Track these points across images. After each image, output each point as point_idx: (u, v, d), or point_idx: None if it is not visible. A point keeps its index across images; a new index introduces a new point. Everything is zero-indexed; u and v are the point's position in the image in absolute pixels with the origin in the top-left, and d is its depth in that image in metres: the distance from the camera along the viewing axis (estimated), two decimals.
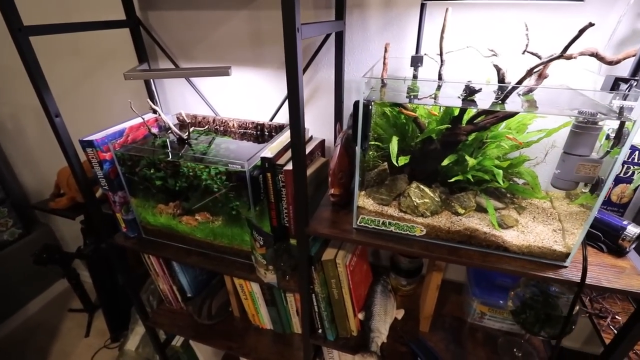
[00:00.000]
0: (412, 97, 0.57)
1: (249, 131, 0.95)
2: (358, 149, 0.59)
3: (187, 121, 0.82)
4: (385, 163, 0.65)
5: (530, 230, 0.60)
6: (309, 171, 0.79)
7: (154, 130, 0.89)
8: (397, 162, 0.59)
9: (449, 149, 0.59)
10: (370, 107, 0.56)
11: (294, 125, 0.57)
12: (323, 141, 0.90)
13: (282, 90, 0.95)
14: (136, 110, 0.84)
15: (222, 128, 0.97)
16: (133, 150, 0.82)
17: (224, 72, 0.80)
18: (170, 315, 1.16)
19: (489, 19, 0.71)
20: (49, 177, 1.59)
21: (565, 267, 0.58)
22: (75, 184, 1.19)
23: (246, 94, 1.01)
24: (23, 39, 0.67)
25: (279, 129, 0.91)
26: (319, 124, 0.97)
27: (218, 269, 0.85)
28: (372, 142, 0.66)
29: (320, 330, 0.86)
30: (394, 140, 0.59)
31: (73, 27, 0.77)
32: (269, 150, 0.76)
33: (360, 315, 0.86)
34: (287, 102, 0.91)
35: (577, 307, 0.69)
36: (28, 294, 1.74)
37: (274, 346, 1.05)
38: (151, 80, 1.00)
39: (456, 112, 0.58)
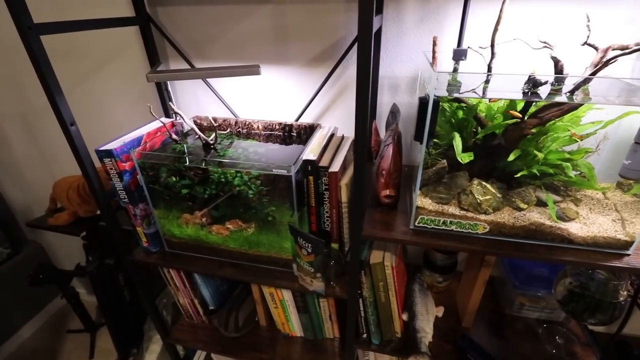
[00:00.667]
0: (479, 91, 0.55)
1: (276, 133, 0.90)
2: (423, 147, 0.56)
3: (214, 124, 0.77)
4: (444, 160, 0.63)
5: (592, 222, 0.60)
6: (349, 172, 0.75)
7: (175, 136, 0.83)
8: (461, 159, 0.57)
9: (513, 143, 0.58)
10: (439, 103, 0.54)
11: (359, 127, 0.54)
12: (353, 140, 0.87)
13: (308, 88, 0.91)
14: (144, 115, 0.78)
15: (245, 130, 0.92)
16: (160, 159, 0.76)
17: (253, 71, 0.75)
18: (192, 330, 1.10)
19: (534, 10, 0.70)
20: (38, 190, 1.47)
21: (629, 255, 0.58)
22: (77, 198, 1.10)
23: (266, 93, 0.96)
24: (33, 38, 0.60)
25: (309, 129, 0.87)
26: (348, 122, 0.94)
27: (255, 280, 0.80)
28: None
29: (365, 335, 0.84)
30: (457, 137, 0.57)
31: (86, 25, 0.70)
32: (311, 151, 0.72)
33: (404, 316, 0.84)
34: (314, 100, 0.88)
35: (626, 293, 0.70)
36: (20, 317, 1.61)
37: (308, 353, 1.01)
38: (163, 82, 0.93)
39: (520, 106, 0.57)
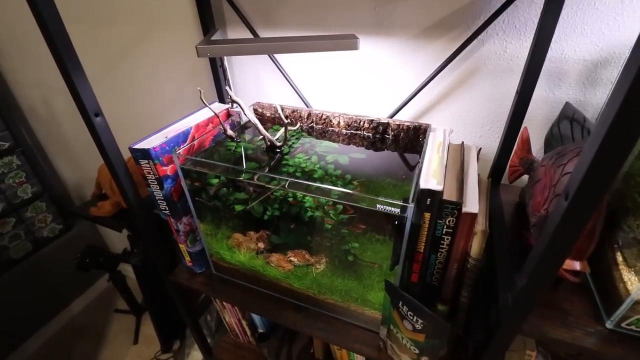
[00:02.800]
0: None
1: (363, 133, 0.65)
2: None
3: (284, 119, 0.54)
4: None
5: None
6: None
7: (230, 131, 0.62)
8: None
9: None
10: None
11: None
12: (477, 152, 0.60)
13: (415, 72, 0.64)
14: (195, 98, 0.56)
15: (320, 127, 0.68)
16: (210, 168, 0.56)
17: (348, 44, 0.49)
18: (237, 351, 0.95)
19: None
20: (89, 170, 1.39)
21: None
22: None
23: (350, 77, 0.70)
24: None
25: (413, 132, 0.61)
26: (465, 125, 0.65)
27: (326, 337, 0.59)
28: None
29: None
30: None
31: None
32: (432, 175, 0.46)
33: None
34: (423, 89, 0.60)
35: None
36: (71, 292, 1.62)
37: None
38: (218, 57, 0.71)
39: None
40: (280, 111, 0.54)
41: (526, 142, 0.53)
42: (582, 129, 0.45)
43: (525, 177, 0.58)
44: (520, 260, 0.49)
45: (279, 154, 0.60)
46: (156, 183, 0.58)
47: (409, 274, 0.55)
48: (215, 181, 0.62)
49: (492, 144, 0.65)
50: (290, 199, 0.56)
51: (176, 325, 1.41)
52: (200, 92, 0.56)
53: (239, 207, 0.60)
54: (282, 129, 0.63)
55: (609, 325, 0.38)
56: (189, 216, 0.65)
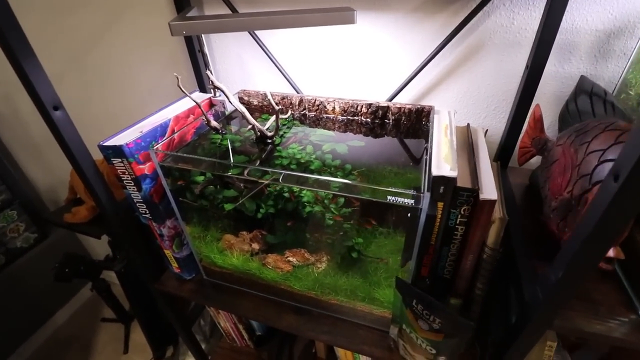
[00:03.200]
0: None
1: (361, 118, 0.60)
2: None
3: (275, 106, 0.48)
4: None
5: None
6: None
7: (214, 122, 0.55)
8: None
9: None
10: None
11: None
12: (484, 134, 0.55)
13: (417, 46, 0.59)
14: (172, 89, 0.50)
15: (313, 114, 0.63)
16: (195, 165, 0.50)
17: (344, 17, 0.44)
18: (235, 355, 0.91)
19: None
20: (62, 172, 1.29)
21: None
22: None
23: (343, 58, 0.64)
24: None
25: (415, 115, 0.56)
26: (468, 106, 0.61)
27: (333, 340, 0.55)
28: None
29: None
30: None
31: None
32: (445, 160, 0.42)
33: None
34: (426, 67, 0.55)
35: None
36: (53, 304, 1.53)
37: None
38: (196, 37, 0.64)
39: None
40: (270, 97, 0.48)
41: (539, 121, 0.50)
42: (605, 103, 0.41)
43: (536, 159, 0.55)
44: (540, 248, 0.45)
45: (270, 145, 0.55)
46: (133, 184, 0.52)
47: (418, 268, 0.51)
48: (200, 178, 0.56)
49: (497, 125, 0.61)
50: (287, 194, 0.50)
51: (168, 330, 1.35)
52: (178, 78, 0.49)
53: (228, 206, 0.54)
54: (273, 118, 0.57)
55: None
56: (173, 219, 0.59)
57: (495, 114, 0.60)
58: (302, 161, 0.52)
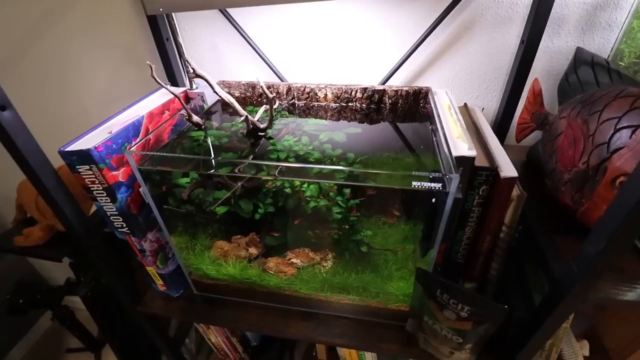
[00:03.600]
0: None
1: (355, 104, 0.56)
2: None
3: (268, 94, 0.42)
4: None
5: None
6: None
7: (196, 117, 0.49)
8: None
9: None
10: None
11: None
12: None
13: (409, 26, 0.56)
14: (140, 85, 0.43)
15: (302, 103, 0.58)
16: (179, 165, 0.43)
17: None
18: None
19: None
20: (5, 189, 1.12)
21: None
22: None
23: (330, 41, 0.60)
24: None
25: (412, 97, 0.54)
26: (462, 85, 0.60)
27: (349, 344, 0.51)
28: None
29: None
30: None
31: None
32: (460, 139, 0.40)
33: None
34: (420, 47, 0.53)
35: None
36: (7, 339, 1.34)
37: None
38: (167, 23, 0.57)
39: None
40: (262, 84, 0.43)
41: (539, 95, 0.49)
42: (610, 72, 0.41)
43: (532, 135, 0.55)
44: (553, 222, 0.45)
45: (262, 139, 0.49)
46: (105, 194, 0.44)
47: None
48: (183, 181, 0.49)
49: (490, 104, 0.61)
50: (288, 190, 0.46)
51: (146, 353, 1.24)
52: (152, 68, 0.42)
53: (221, 209, 0.48)
54: (262, 109, 0.51)
55: None
56: (155, 230, 0.52)
57: (487, 92, 0.60)
58: (301, 153, 0.47)
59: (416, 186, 0.34)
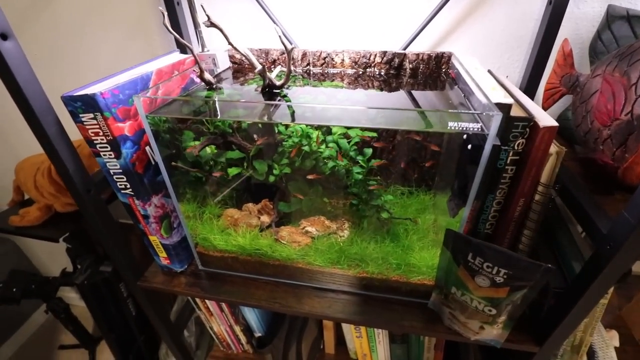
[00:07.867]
0: None
1: (374, 70, 0.54)
2: None
3: (287, 43, 0.40)
4: None
5: None
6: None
7: (208, 75, 0.46)
8: None
9: None
10: None
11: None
12: None
13: None
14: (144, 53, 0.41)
15: (318, 69, 0.56)
16: (200, 116, 0.40)
17: None
18: None
19: None
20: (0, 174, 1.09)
21: None
22: (50, 186, 0.74)
23: (346, 5, 0.59)
24: None
25: (435, 61, 0.51)
26: (483, 54, 0.58)
27: (368, 322, 0.47)
28: None
29: None
30: None
31: None
32: (494, 90, 0.37)
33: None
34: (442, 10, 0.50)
35: None
36: None
37: None
38: None
39: None
40: (281, 33, 0.40)
41: (569, 56, 0.47)
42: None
43: (557, 106, 0.52)
44: (592, 184, 0.42)
45: (277, 97, 0.47)
46: (109, 148, 0.41)
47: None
48: (191, 144, 0.46)
49: (512, 75, 0.58)
50: (306, 148, 0.43)
51: (143, 350, 1.18)
52: (164, 15, 0.40)
53: (233, 170, 0.45)
54: (277, 69, 0.49)
55: None
56: (161, 195, 0.48)
57: (509, 62, 0.57)
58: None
59: (453, 127, 0.31)
